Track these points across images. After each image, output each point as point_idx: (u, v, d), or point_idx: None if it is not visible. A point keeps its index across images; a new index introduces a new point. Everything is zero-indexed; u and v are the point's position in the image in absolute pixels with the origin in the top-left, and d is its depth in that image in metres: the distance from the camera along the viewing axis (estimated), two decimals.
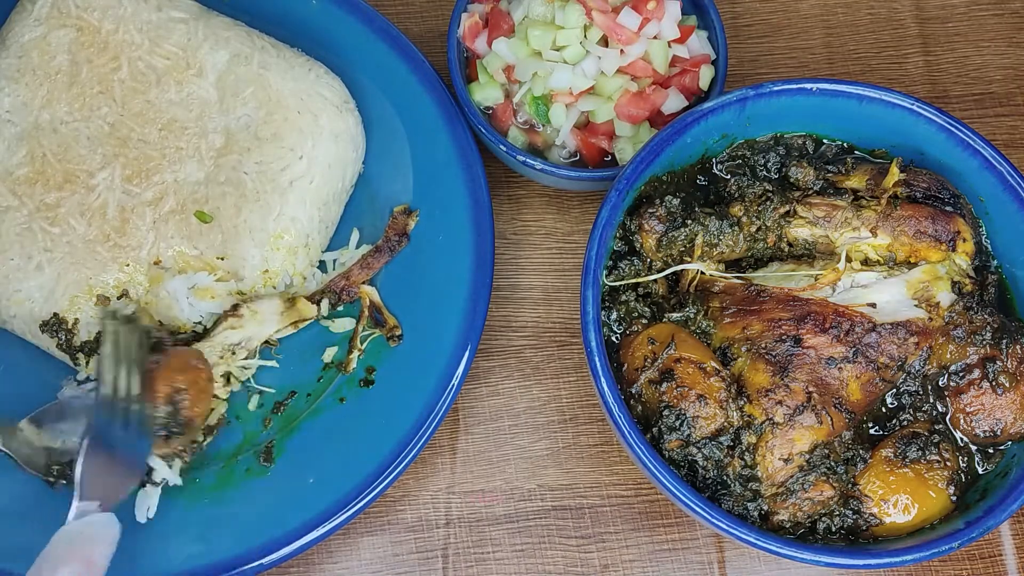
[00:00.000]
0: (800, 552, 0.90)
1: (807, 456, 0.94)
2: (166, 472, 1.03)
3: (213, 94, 1.12)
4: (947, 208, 1.01)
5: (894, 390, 0.99)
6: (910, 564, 0.98)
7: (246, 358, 1.09)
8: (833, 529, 0.96)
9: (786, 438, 0.94)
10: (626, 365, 0.99)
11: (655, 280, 1.03)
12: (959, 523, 0.93)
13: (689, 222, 1.01)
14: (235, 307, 1.08)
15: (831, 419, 0.95)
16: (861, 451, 0.96)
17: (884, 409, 1.00)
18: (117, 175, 1.09)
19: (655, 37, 1.13)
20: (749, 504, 0.95)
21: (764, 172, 1.07)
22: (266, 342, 1.11)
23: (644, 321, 1.01)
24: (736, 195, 1.04)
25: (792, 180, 1.04)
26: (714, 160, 1.08)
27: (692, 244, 1.02)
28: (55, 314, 1.06)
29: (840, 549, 0.93)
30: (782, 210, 1.02)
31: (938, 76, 1.33)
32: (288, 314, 1.10)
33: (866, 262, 1.01)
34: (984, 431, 0.98)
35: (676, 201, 1.03)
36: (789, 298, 0.99)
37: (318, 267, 1.16)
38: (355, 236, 1.17)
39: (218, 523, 1.04)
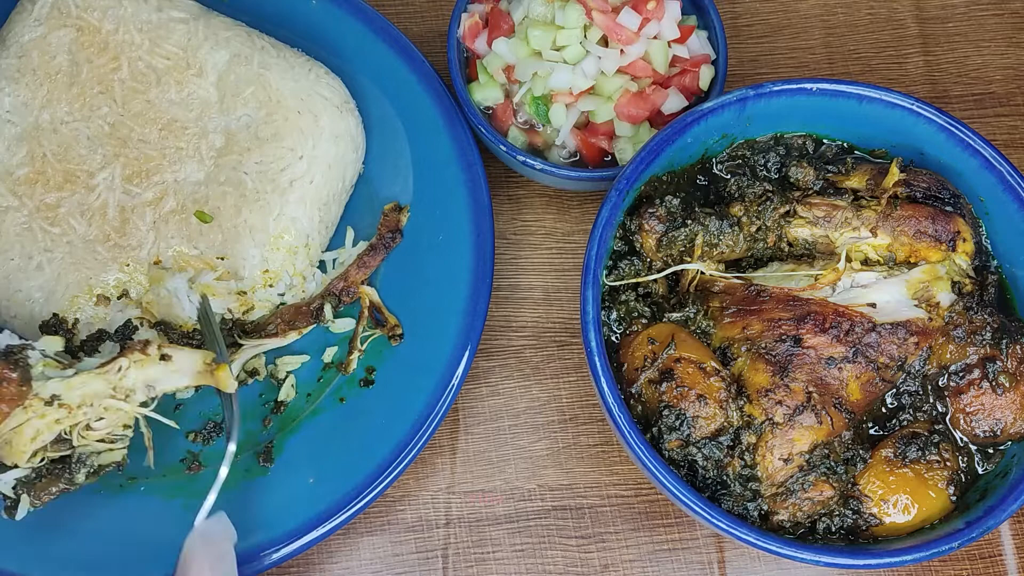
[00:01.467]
0: (800, 552, 0.90)
1: (807, 456, 0.94)
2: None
3: (213, 94, 1.12)
4: (947, 208, 1.01)
5: (894, 390, 0.99)
6: (910, 564, 0.98)
7: (143, 404, 0.96)
8: (833, 529, 0.95)
9: (786, 438, 0.94)
10: (626, 365, 0.99)
11: (655, 280, 1.03)
12: (959, 523, 0.93)
13: (689, 222, 1.01)
14: (145, 343, 0.96)
15: (831, 419, 0.95)
16: (861, 451, 0.96)
17: (884, 409, 1.00)
18: (117, 175, 1.09)
19: (655, 37, 1.13)
20: (749, 504, 0.94)
21: (764, 172, 1.07)
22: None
23: (644, 321, 1.01)
24: (736, 195, 1.04)
25: (792, 180, 1.04)
26: (714, 160, 1.08)
27: (692, 244, 1.02)
28: (55, 314, 1.06)
29: (840, 549, 0.93)
30: (782, 210, 1.02)
31: (938, 76, 1.33)
32: (202, 376, 0.98)
33: (866, 262, 1.01)
34: (984, 431, 0.98)
35: (676, 201, 1.03)
36: (789, 298, 0.99)
37: (318, 267, 1.16)
38: (350, 234, 1.17)
39: None
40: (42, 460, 0.94)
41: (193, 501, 1.04)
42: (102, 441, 0.95)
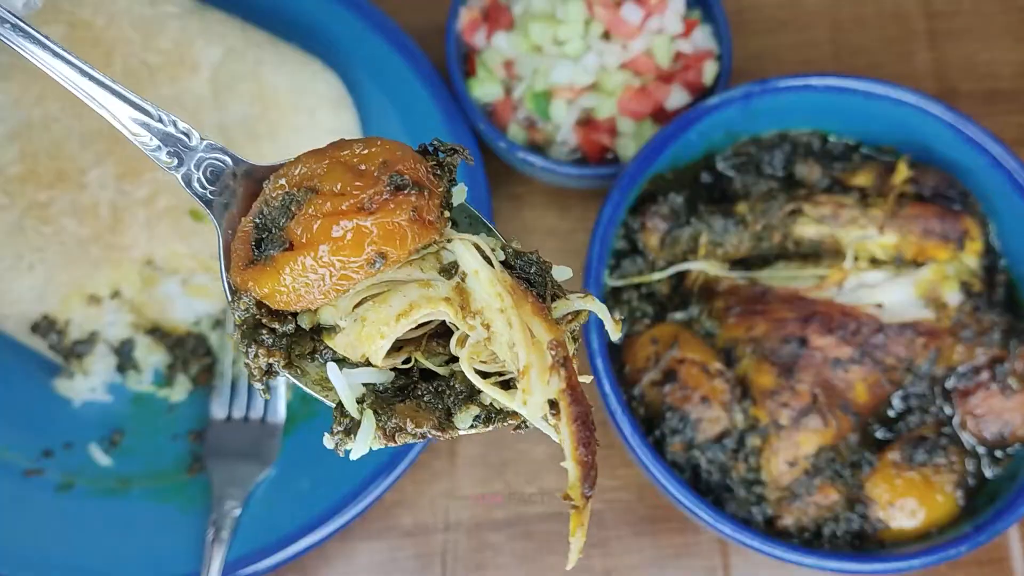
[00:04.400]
0: (805, 557, 0.89)
1: (812, 459, 0.93)
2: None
3: (207, 90, 1.11)
4: (955, 206, 1.00)
5: (901, 392, 0.98)
6: (917, 569, 0.96)
7: None
8: (839, 534, 0.94)
9: (791, 441, 0.93)
10: (628, 366, 0.97)
11: (658, 279, 1.02)
12: (967, 527, 0.92)
13: (693, 220, 1.00)
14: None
15: (837, 421, 0.94)
16: (867, 454, 0.95)
17: (891, 412, 0.99)
18: (109, 173, 1.08)
19: (658, 31, 1.12)
20: (753, 508, 0.93)
21: (770, 169, 1.05)
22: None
23: (647, 321, 1.00)
24: (741, 193, 1.03)
25: (798, 178, 1.03)
26: (718, 157, 1.07)
27: (696, 243, 1.01)
28: (45, 315, 1.05)
29: (846, 554, 0.92)
30: (788, 208, 1.00)
31: (946, 72, 1.31)
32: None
33: (873, 261, 1.00)
34: (992, 434, 0.97)
35: (680, 199, 1.01)
36: (795, 298, 0.97)
37: None
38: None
39: None
40: (411, 363, 0.60)
41: (188, 505, 1.03)
42: (493, 376, 0.57)
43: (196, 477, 1.05)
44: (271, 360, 0.59)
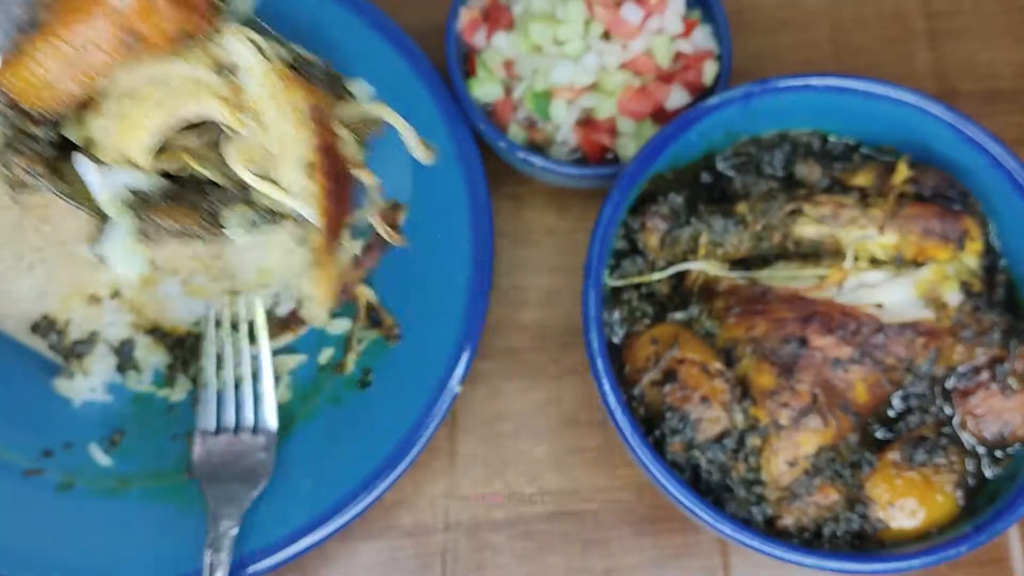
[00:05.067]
0: (805, 557, 0.89)
1: (812, 459, 0.93)
2: None
3: None
4: (955, 206, 1.00)
5: (901, 392, 0.98)
6: (917, 569, 0.96)
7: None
8: (839, 534, 0.94)
9: (791, 441, 0.93)
10: (628, 366, 0.97)
11: (659, 280, 1.02)
12: (967, 527, 0.92)
13: (693, 220, 1.00)
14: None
15: (837, 421, 0.94)
16: (867, 454, 0.95)
17: (891, 412, 0.99)
18: None
19: (658, 31, 1.12)
20: (753, 508, 0.93)
21: (770, 169, 1.05)
22: None
23: (647, 321, 1.00)
24: (741, 193, 1.03)
25: (798, 178, 1.03)
26: (718, 157, 1.07)
27: (696, 243, 1.01)
28: (45, 315, 1.05)
29: (846, 554, 0.92)
30: (788, 208, 1.00)
31: (946, 72, 1.31)
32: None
33: (873, 261, 1.00)
34: (992, 434, 0.97)
35: (680, 199, 1.02)
36: (795, 298, 0.97)
37: None
38: (346, 232, 1.15)
39: None
40: (186, 172, 0.57)
41: (188, 506, 1.03)
42: (271, 184, 0.54)
43: (196, 478, 1.05)
44: (31, 167, 0.55)
